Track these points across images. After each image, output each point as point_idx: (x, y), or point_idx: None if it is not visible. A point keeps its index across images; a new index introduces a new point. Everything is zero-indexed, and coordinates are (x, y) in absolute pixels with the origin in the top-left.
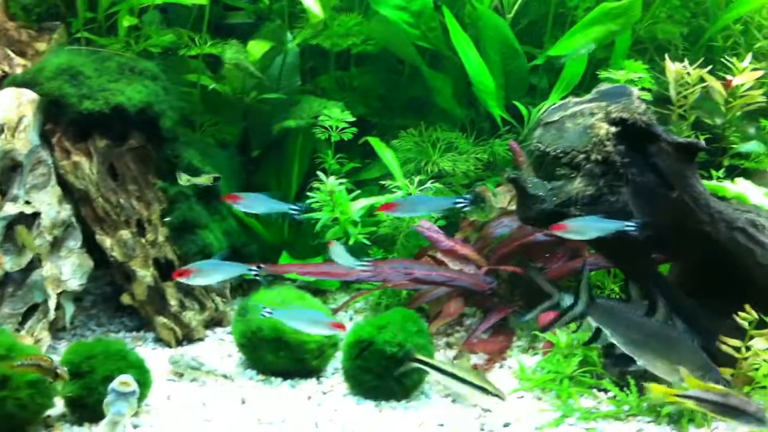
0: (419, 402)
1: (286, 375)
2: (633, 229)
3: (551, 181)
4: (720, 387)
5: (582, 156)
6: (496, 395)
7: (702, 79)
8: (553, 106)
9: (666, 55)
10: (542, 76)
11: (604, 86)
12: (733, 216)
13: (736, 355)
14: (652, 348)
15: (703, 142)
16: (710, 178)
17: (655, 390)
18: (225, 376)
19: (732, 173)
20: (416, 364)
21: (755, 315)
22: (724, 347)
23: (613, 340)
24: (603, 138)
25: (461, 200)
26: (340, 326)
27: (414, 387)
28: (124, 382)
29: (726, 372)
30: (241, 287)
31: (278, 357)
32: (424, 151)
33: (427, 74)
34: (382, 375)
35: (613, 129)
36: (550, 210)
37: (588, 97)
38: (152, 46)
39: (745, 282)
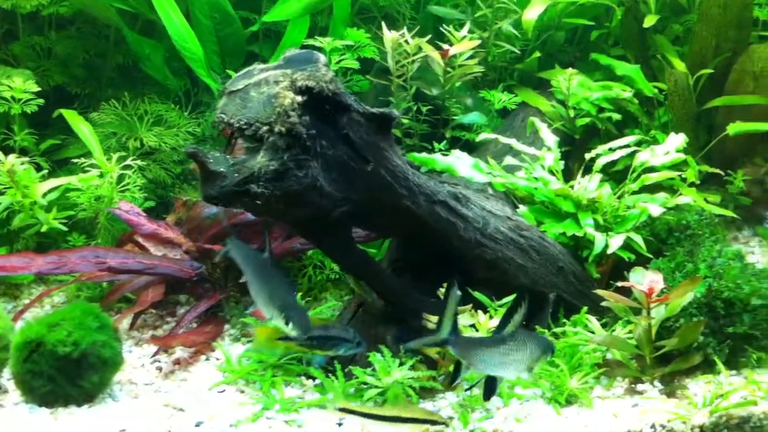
0: (104, 406)
1: None
2: None
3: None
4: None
5: (265, 128)
6: (433, 421)
7: (421, 49)
8: (238, 74)
9: (383, 24)
10: (264, 43)
11: (290, 52)
12: (434, 189)
13: None
14: None
15: (396, 112)
16: (432, 150)
17: (259, 335)
18: None
19: (455, 145)
20: (344, 414)
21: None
22: (429, 325)
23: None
24: (288, 108)
25: None
26: None
27: (98, 390)
28: None
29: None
30: None
31: None
32: (131, 125)
33: (131, 39)
34: (56, 379)
35: (299, 98)
36: (231, 187)
37: (274, 63)
38: None
39: (451, 256)
